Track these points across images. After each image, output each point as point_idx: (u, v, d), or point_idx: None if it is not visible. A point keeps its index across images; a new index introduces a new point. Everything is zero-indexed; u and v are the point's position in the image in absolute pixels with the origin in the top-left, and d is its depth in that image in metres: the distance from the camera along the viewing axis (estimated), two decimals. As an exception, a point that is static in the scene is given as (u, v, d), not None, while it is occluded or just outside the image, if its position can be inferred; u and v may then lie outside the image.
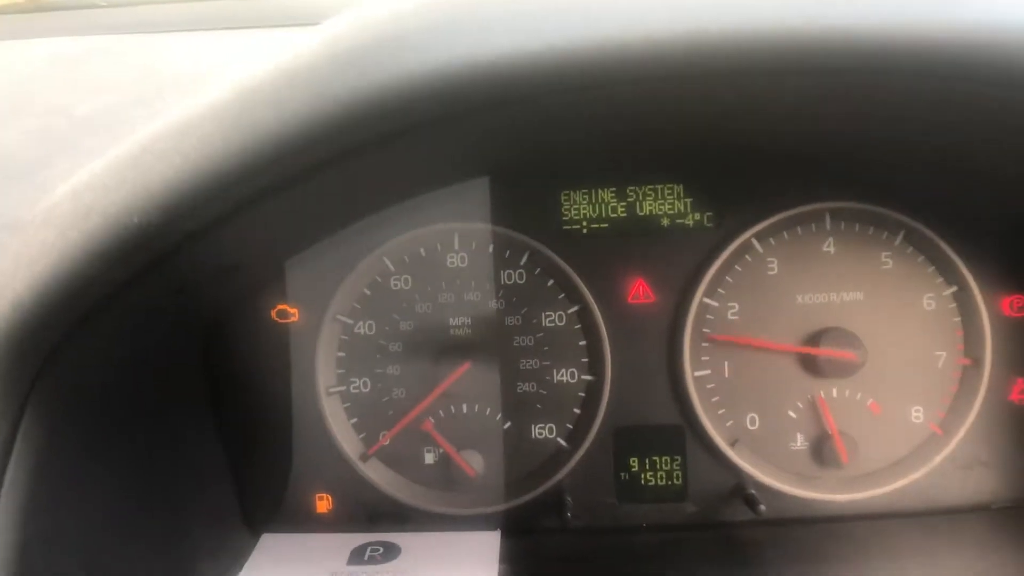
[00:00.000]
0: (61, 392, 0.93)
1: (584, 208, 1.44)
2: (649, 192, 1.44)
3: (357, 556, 1.30)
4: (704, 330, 1.43)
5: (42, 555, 0.90)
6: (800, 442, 1.44)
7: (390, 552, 1.31)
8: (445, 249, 1.44)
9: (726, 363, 1.44)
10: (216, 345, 1.38)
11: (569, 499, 1.42)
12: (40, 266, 0.81)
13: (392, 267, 1.44)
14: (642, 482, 1.44)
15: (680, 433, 1.44)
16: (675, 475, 1.44)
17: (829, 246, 1.43)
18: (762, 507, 1.38)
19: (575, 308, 1.44)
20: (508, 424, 1.45)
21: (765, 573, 1.29)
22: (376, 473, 1.44)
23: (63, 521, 0.96)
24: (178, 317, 1.22)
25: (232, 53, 1.09)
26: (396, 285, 1.44)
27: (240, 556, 1.31)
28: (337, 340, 1.44)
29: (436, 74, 0.75)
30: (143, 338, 1.12)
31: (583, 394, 1.45)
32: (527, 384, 1.45)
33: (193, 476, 1.30)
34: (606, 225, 1.44)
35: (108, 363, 1.04)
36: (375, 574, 1.25)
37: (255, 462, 1.42)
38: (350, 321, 1.44)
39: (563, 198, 1.44)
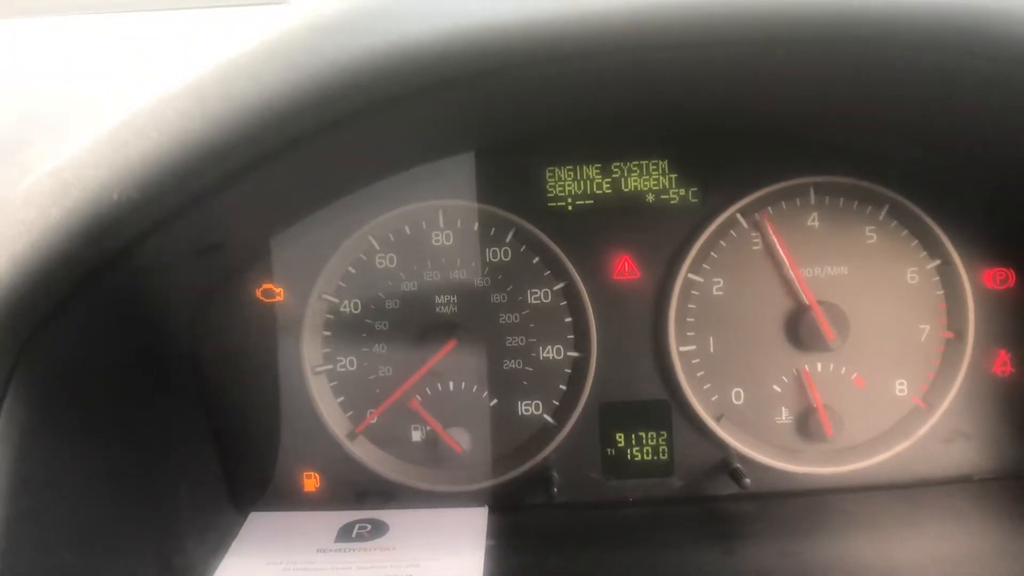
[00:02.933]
0: (45, 371, 0.93)
1: (569, 185, 1.44)
2: (634, 168, 1.44)
3: (345, 533, 1.30)
4: (690, 306, 1.43)
5: (28, 533, 0.90)
6: (785, 416, 1.45)
7: (378, 529, 1.31)
8: (430, 227, 1.44)
9: (711, 338, 1.44)
10: (202, 324, 1.38)
11: (556, 475, 1.43)
12: (21, 244, 0.80)
13: (377, 245, 1.43)
14: (628, 457, 1.45)
15: (666, 408, 1.45)
16: (661, 450, 1.45)
17: (813, 220, 1.43)
18: (747, 481, 1.39)
19: (561, 285, 1.44)
20: (494, 401, 1.45)
21: (751, 546, 1.30)
22: (364, 451, 1.45)
23: (49, 500, 0.95)
24: (163, 296, 1.21)
25: (208, 31, 1.09)
26: (381, 263, 1.44)
27: (228, 535, 1.31)
28: (323, 319, 1.44)
29: (414, 45, 0.75)
30: (128, 317, 1.11)
31: (569, 370, 1.45)
32: (513, 361, 1.45)
33: (180, 456, 1.29)
34: (591, 201, 1.44)
35: (92, 342, 1.04)
36: (363, 551, 1.26)
37: (242, 441, 1.42)
38: (335, 300, 1.44)
39: (548, 175, 1.44)
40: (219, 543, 1.29)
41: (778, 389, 1.44)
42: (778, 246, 1.41)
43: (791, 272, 1.41)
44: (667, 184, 1.44)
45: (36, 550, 0.92)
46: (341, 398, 1.45)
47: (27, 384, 0.89)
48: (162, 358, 1.28)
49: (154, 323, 1.23)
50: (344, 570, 1.20)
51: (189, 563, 1.22)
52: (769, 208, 1.43)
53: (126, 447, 1.14)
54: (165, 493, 1.23)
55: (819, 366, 1.43)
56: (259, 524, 1.35)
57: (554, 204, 1.44)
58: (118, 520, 1.10)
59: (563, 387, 1.45)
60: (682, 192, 1.44)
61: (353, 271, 1.44)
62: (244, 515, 1.37)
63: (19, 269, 0.81)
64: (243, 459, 1.43)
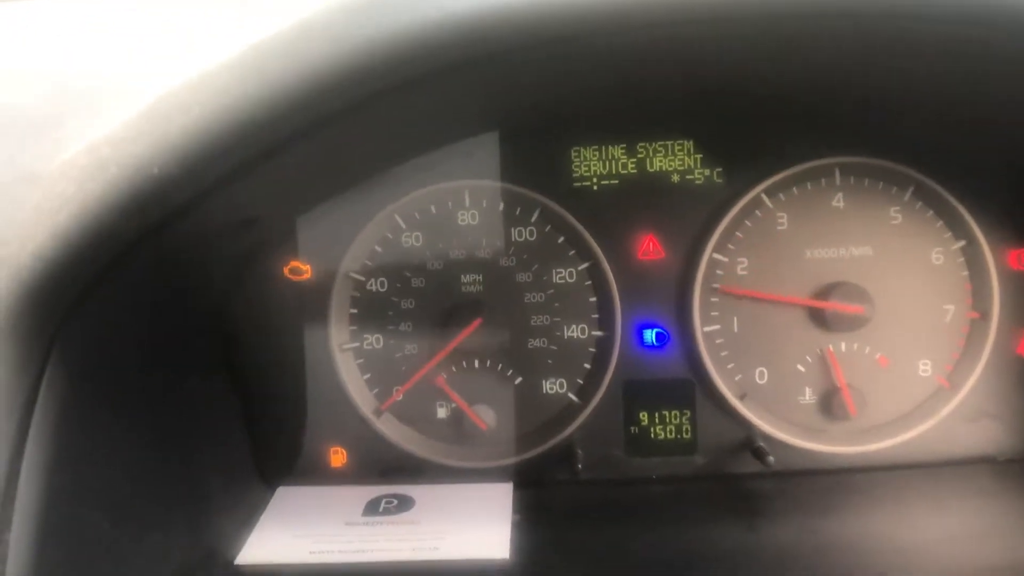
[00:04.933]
0: (82, 346, 0.94)
1: (594, 165, 1.44)
2: (659, 148, 1.44)
3: (372, 507, 1.33)
4: (714, 285, 1.44)
5: (66, 506, 0.92)
6: (809, 395, 1.45)
7: (404, 504, 1.33)
8: (456, 206, 1.45)
9: (735, 318, 1.45)
10: (231, 301, 1.39)
11: (580, 452, 1.44)
12: (61, 217, 0.82)
13: (403, 224, 1.45)
14: (652, 435, 1.46)
15: (689, 387, 1.46)
16: (684, 428, 1.46)
17: (838, 201, 1.44)
18: (771, 459, 1.39)
19: (585, 264, 1.45)
20: (519, 379, 1.47)
21: (774, 523, 1.31)
22: (390, 428, 1.46)
23: (86, 473, 0.97)
24: (196, 272, 1.23)
25: (245, 8, 1.10)
26: (407, 242, 1.45)
27: (256, 509, 1.33)
28: (349, 297, 1.46)
29: (449, 21, 0.76)
30: (162, 293, 1.13)
31: (593, 349, 1.46)
32: (538, 340, 1.46)
33: (209, 431, 1.31)
34: (616, 182, 1.45)
35: (127, 317, 1.06)
36: (390, 524, 1.28)
37: (270, 417, 1.44)
38: (362, 278, 1.45)
39: (573, 155, 1.45)
40: (248, 516, 1.31)
41: (802, 369, 1.45)
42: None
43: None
44: (692, 164, 1.44)
45: (74, 522, 0.94)
46: (367, 375, 1.47)
47: (66, 358, 0.91)
48: (193, 335, 1.30)
49: (186, 299, 1.25)
50: (371, 542, 1.22)
51: (219, 535, 1.24)
52: (794, 188, 1.43)
53: (159, 422, 1.16)
54: (196, 467, 1.25)
55: (843, 346, 1.44)
56: (287, 498, 1.38)
57: (579, 184, 1.45)
58: (151, 493, 1.12)
59: (587, 366, 1.47)
60: (707, 172, 1.44)
61: (379, 250, 1.45)
62: (272, 489, 1.39)
63: (59, 243, 0.82)
64: (271, 435, 1.45)
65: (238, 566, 1.20)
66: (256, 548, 1.23)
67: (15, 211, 0.82)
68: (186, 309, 1.26)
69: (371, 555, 1.20)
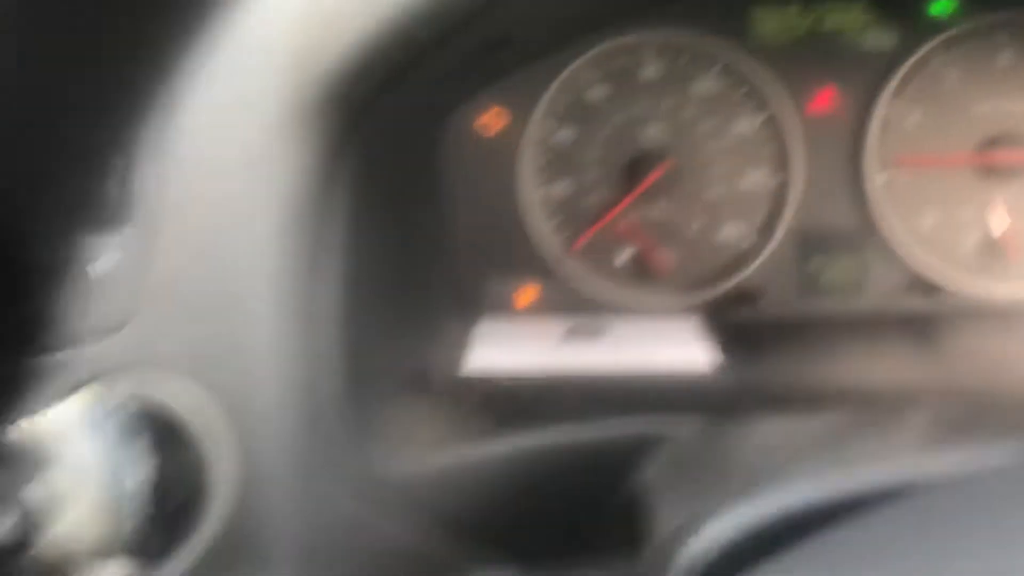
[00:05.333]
0: (366, 147, 1.05)
1: (771, 23, 1.51)
2: (834, 7, 1.51)
3: (570, 333, 1.42)
4: (886, 138, 1.52)
5: (354, 287, 1.03)
6: (974, 240, 1.53)
7: (601, 331, 1.43)
8: (640, 60, 1.53)
9: (905, 168, 1.53)
10: (442, 141, 1.50)
11: (756, 294, 1.53)
12: (347, 35, 0.92)
13: (591, 76, 1.53)
14: (824, 279, 1.55)
15: (861, 234, 1.54)
16: (855, 273, 1.55)
17: (1005, 58, 1.50)
18: (937, 300, 1.48)
19: (763, 117, 1.53)
20: (700, 224, 1.56)
21: (949, 357, 1.39)
22: (575, 271, 1.56)
23: (365, 265, 1.08)
24: (436, 102, 1.33)
25: None
26: (595, 94, 1.54)
27: (463, 339, 1.43)
28: (540, 145, 1.55)
29: None
30: (414, 119, 1.24)
31: (770, 198, 1.55)
32: (718, 187, 1.55)
33: (420, 265, 1.43)
34: (792, 39, 1.52)
35: (394, 132, 1.16)
36: (591, 345, 1.38)
37: (467, 258, 1.55)
38: (552, 127, 1.55)
39: (751, 13, 1.52)
40: (457, 344, 1.40)
41: (968, 215, 1.53)
42: None
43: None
44: (865, 23, 1.51)
45: (360, 305, 1.06)
46: (556, 220, 1.56)
47: (355, 154, 1.02)
48: (419, 167, 1.41)
49: (419, 132, 1.36)
50: (577, 358, 1.32)
51: (438, 354, 1.35)
52: (962, 46, 1.50)
53: (403, 238, 1.27)
54: (419, 288, 1.37)
55: (1008, 193, 1.52)
56: (489, 329, 1.47)
57: (757, 41, 1.52)
58: (398, 301, 1.24)
59: (763, 213, 1.55)
60: (879, 32, 1.51)
61: (569, 100, 1.54)
62: (474, 323, 1.50)
63: (352, 50, 0.92)
64: (468, 275, 1.55)
65: (461, 377, 1.30)
66: (475, 363, 1.34)
67: (308, 24, 0.92)
68: (419, 141, 1.37)
69: (580, 367, 1.30)
